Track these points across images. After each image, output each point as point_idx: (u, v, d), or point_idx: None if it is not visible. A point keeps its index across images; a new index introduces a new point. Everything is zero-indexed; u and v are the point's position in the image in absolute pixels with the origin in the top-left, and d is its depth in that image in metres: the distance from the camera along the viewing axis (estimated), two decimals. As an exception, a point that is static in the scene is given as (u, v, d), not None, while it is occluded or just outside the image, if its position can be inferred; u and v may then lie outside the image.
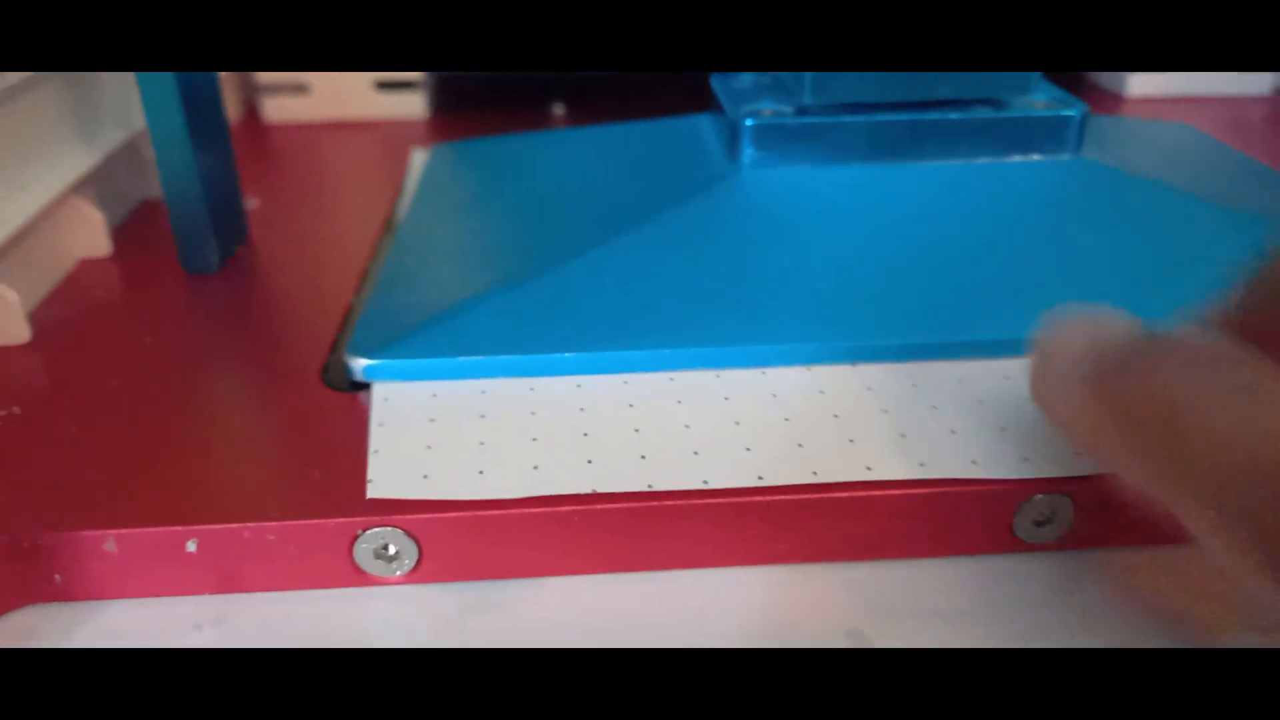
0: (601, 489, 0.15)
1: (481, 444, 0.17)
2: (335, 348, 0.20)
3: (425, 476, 0.16)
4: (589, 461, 0.16)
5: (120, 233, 0.26)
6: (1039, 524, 0.16)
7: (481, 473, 0.16)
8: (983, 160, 0.22)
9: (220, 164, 0.24)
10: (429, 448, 0.17)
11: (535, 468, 0.16)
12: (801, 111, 0.22)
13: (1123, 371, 0.13)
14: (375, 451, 0.16)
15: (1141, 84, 0.36)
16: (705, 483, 0.16)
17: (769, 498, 0.15)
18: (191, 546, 0.15)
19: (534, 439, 0.17)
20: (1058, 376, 0.14)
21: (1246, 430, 0.11)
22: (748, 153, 0.22)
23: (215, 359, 0.20)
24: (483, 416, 0.17)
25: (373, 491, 0.16)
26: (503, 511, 0.15)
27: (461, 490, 0.16)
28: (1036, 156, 0.22)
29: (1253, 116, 0.35)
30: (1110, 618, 0.15)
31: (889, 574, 0.16)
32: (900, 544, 0.16)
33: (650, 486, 0.16)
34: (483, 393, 0.18)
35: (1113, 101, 0.36)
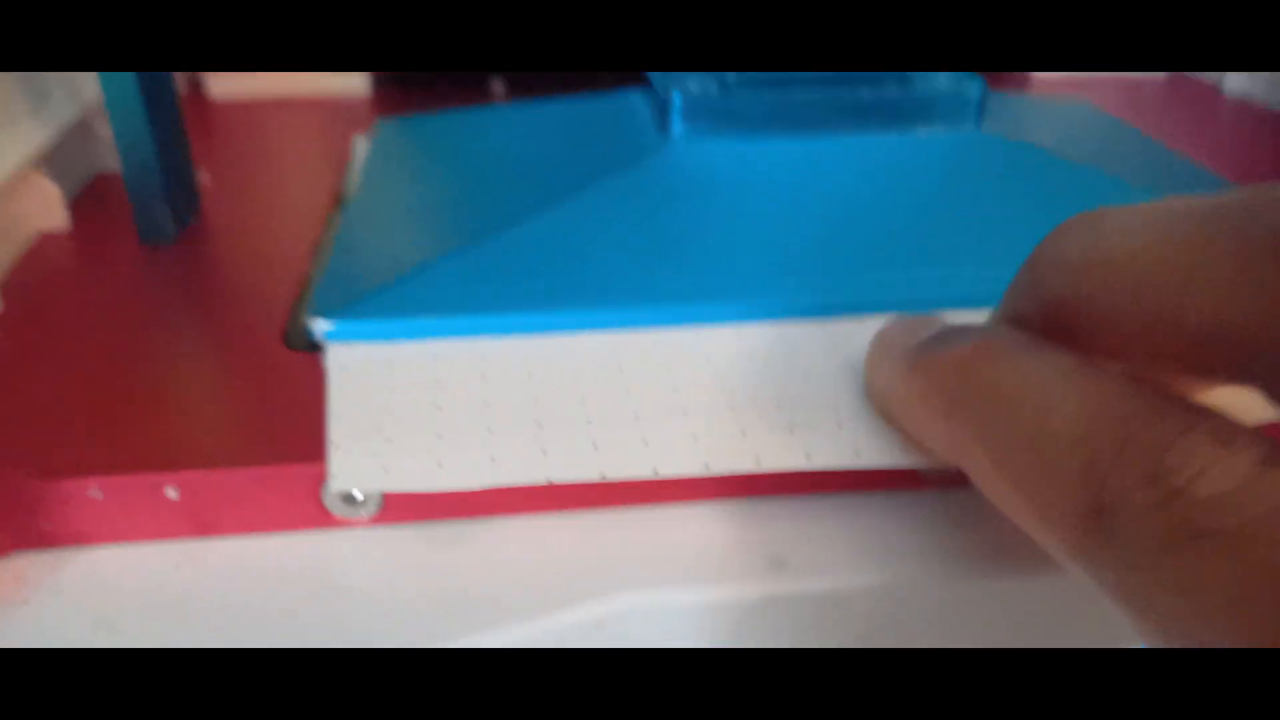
0: (556, 479, 0.16)
1: (439, 436, 0.17)
2: (294, 312, 0.21)
3: (385, 471, 0.16)
4: (544, 452, 0.17)
5: (76, 206, 0.26)
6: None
7: (440, 465, 0.17)
8: (891, 133, 0.24)
9: (173, 136, 0.25)
10: (388, 440, 0.17)
11: (492, 459, 0.17)
12: (726, 87, 0.24)
13: (928, 348, 0.15)
14: (335, 445, 0.17)
15: (1047, 62, 0.39)
16: (655, 471, 0.17)
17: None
18: (171, 492, 0.17)
19: (489, 430, 0.17)
20: (885, 362, 0.16)
21: (1019, 400, 0.13)
22: (677, 126, 0.24)
23: (180, 324, 0.21)
24: (437, 382, 0.18)
25: (335, 485, 0.16)
26: None
27: (421, 485, 0.16)
28: (940, 130, 0.24)
29: (1149, 97, 0.37)
30: (1005, 544, 0.17)
31: (810, 506, 0.18)
32: (818, 479, 0.18)
33: (603, 475, 0.17)
34: (438, 379, 0.19)
35: (1019, 79, 0.39)
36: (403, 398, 0.18)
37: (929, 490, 0.18)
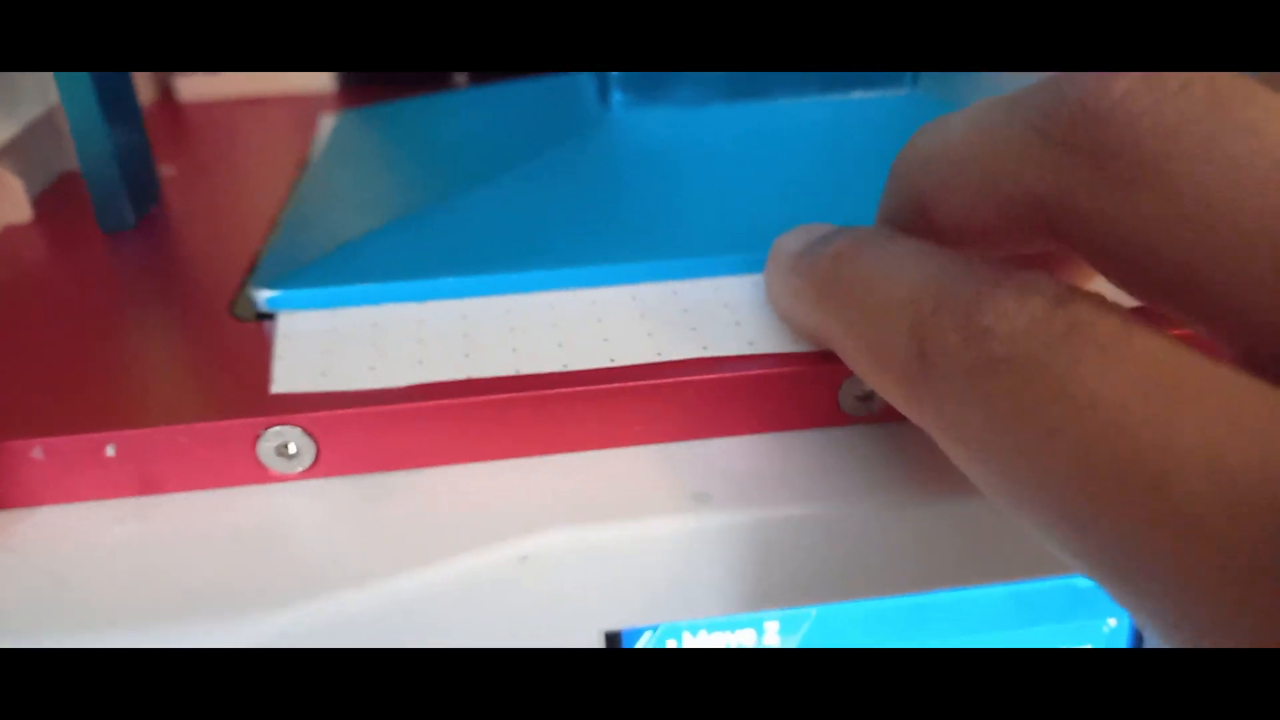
0: (476, 375, 0.18)
1: (374, 347, 0.19)
2: (242, 285, 0.22)
3: (323, 374, 0.18)
4: (466, 355, 0.18)
5: (41, 201, 0.27)
6: (861, 399, 0.19)
7: (373, 368, 0.18)
8: (827, 97, 0.24)
9: (130, 124, 0.25)
10: (326, 353, 0.19)
11: (419, 362, 0.18)
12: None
13: (809, 249, 0.17)
14: (279, 358, 0.19)
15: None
16: (565, 366, 0.18)
17: (625, 384, 0.18)
18: (110, 451, 0.17)
19: (419, 340, 0.19)
20: (775, 265, 0.18)
21: (871, 282, 0.15)
22: (616, 97, 0.24)
23: (132, 300, 0.22)
24: (375, 325, 0.20)
25: (275, 388, 0.18)
26: (390, 407, 0.17)
27: (355, 382, 0.18)
28: (876, 93, 0.25)
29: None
30: (927, 474, 0.18)
31: (733, 447, 0.18)
32: (741, 421, 0.18)
33: (518, 370, 0.18)
34: (376, 323, 0.20)
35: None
36: (343, 340, 0.19)
37: (849, 425, 0.19)
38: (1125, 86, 0.12)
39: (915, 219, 0.17)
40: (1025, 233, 0.15)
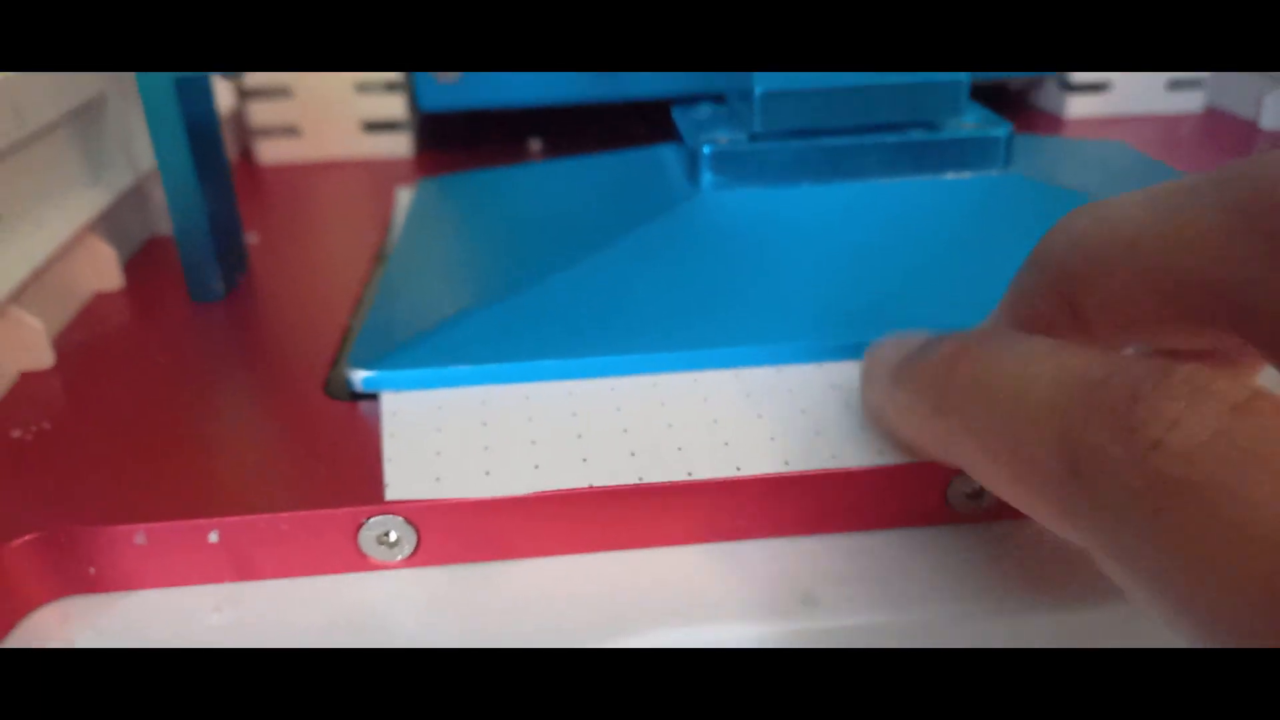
0: (597, 484, 0.17)
1: (486, 448, 0.18)
2: (335, 363, 0.22)
3: (437, 480, 0.18)
4: (584, 460, 0.18)
5: (130, 268, 0.28)
6: (970, 497, 0.18)
7: (488, 473, 0.18)
8: (919, 177, 0.24)
9: (223, 199, 0.26)
10: (438, 454, 0.18)
11: (536, 467, 0.18)
12: (754, 138, 0.24)
13: (913, 358, 0.16)
14: (389, 460, 0.18)
15: (1079, 105, 0.39)
16: (689, 474, 0.17)
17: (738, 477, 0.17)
18: (213, 537, 0.17)
19: (533, 441, 0.18)
20: (874, 378, 0.17)
21: (998, 385, 0.13)
22: (706, 177, 0.24)
23: (224, 375, 0.22)
24: (484, 424, 0.19)
25: (390, 495, 0.17)
26: (496, 498, 0.17)
27: (471, 490, 0.17)
28: (968, 174, 0.24)
29: (1185, 134, 0.37)
30: (1036, 578, 0.17)
31: (839, 545, 0.18)
32: (848, 518, 0.18)
33: (640, 479, 0.17)
34: (483, 402, 0.20)
35: (1053, 122, 0.39)
36: (452, 428, 0.19)
37: (961, 524, 0.18)
38: None
39: (1058, 307, 0.15)
40: (1195, 324, 0.14)
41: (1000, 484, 0.14)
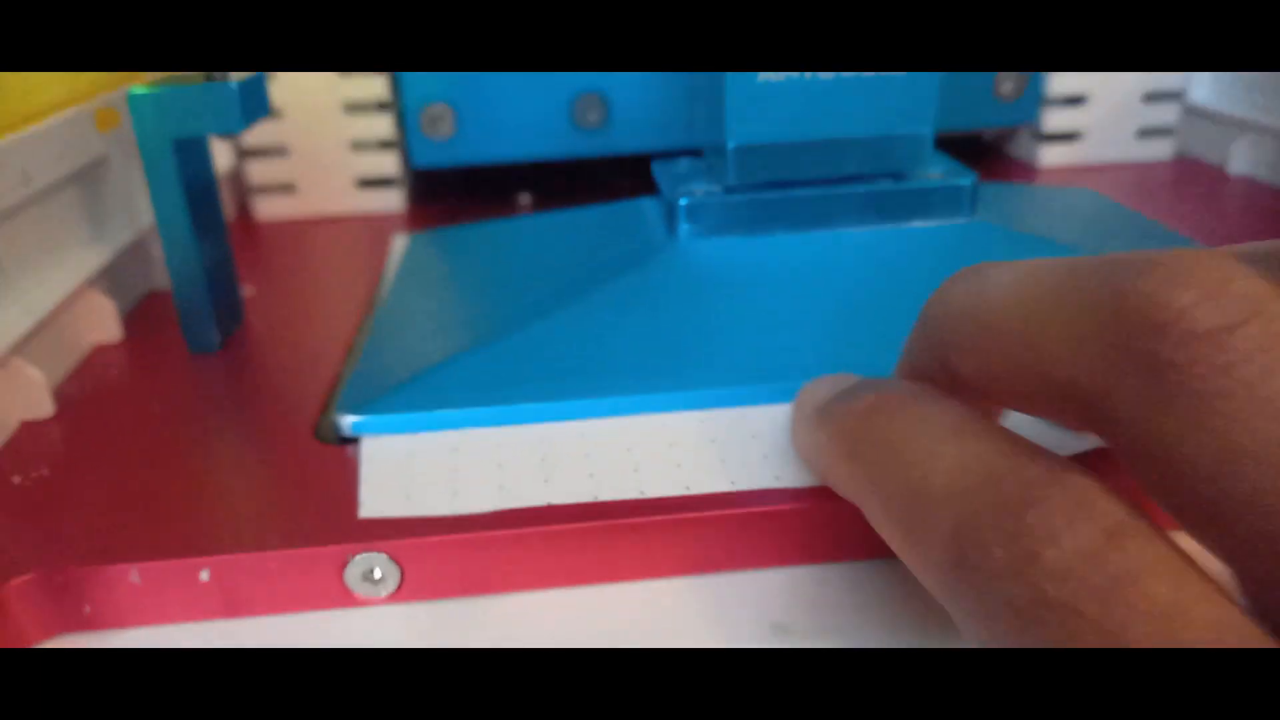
0: (556, 501, 0.18)
1: (454, 471, 0.20)
2: (326, 409, 0.23)
3: (407, 498, 0.19)
4: (545, 481, 0.19)
5: (129, 320, 0.28)
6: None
7: (455, 494, 0.19)
8: (887, 226, 0.25)
9: (219, 253, 0.27)
10: (410, 478, 0.20)
11: (500, 487, 0.19)
12: (729, 190, 0.25)
13: (838, 399, 0.16)
14: (365, 481, 0.20)
15: (1052, 155, 0.40)
16: (641, 493, 0.18)
17: (700, 513, 0.18)
18: (204, 575, 0.18)
19: (499, 465, 0.20)
20: (802, 414, 0.18)
21: (905, 454, 0.14)
22: (683, 227, 0.25)
23: (218, 422, 0.23)
24: (454, 449, 0.20)
25: (363, 512, 0.19)
26: (474, 534, 0.18)
27: (439, 508, 0.18)
28: (934, 222, 0.25)
29: (1154, 180, 0.38)
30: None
31: (809, 575, 0.19)
32: (817, 549, 0.19)
33: (596, 497, 0.18)
34: (455, 448, 0.21)
35: (1026, 171, 0.40)
36: (426, 465, 0.20)
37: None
38: (1188, 301, 0.11)
39: (937, 369, 0.16)
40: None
41: (893, 541, 0.14)
